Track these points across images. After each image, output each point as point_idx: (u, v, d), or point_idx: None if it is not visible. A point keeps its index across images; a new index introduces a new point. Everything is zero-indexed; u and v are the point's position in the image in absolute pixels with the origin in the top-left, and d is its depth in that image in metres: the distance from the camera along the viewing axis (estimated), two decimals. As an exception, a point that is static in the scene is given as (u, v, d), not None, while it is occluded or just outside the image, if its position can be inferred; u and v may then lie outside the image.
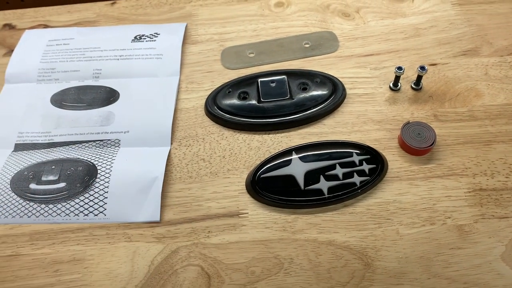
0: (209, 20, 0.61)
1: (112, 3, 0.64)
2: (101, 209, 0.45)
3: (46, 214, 0.46)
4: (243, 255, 0.43)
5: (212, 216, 0.45)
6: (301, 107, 0.51)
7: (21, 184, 0.47)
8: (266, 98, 0.52)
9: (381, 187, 0.46)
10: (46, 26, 0.62)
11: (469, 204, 0.44)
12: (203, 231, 0.44)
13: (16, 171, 0.48)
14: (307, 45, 0.57)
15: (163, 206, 0.46)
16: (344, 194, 0.45)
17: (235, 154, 0.49)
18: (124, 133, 0.50)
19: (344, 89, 0.52)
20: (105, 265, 0.43)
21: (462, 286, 0.40)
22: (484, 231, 0.43)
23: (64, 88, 0.55)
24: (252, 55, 0.57)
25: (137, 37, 0.59)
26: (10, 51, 0.59)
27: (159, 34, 0.59)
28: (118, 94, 0.54)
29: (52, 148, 0.50)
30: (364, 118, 0.51)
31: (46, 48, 0.58)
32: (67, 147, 0.50)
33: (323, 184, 0.45)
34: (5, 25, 0.63)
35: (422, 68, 0.50)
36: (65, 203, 0.46)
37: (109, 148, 0.50)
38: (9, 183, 0.47)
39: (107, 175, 0.47)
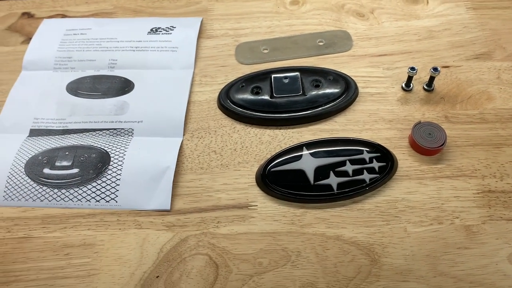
0: (225, 15, 0.62)
1: (130, -4, 0.65)
2: (112, 195, 0.46)
3: (58, 198, 0.46)
4: (251, 246, 0.43)
5: (221, 207, 0.46)
6: (313, 103, 0.51)
7: (35, 168, 0.48)
8: (278, 93, 0.52)
9: (390, 185, 0.46)
10: (64, 16, 0.63)
11: (477, 205, 0.45)
12: (212, 221, 0.45)
13: (31, 156, 0.49)
14: (321, 43, 0.58)
15: (173, 195, 0.47)
16: (353, 190, 0.45)
17: (246, 148, 0.50)
18: (138, 122, 0.51)
19: (356, 88, 0.53)
20: (115, 251, 0.44)
21: (468, 286, 0.40)
22: (491, 232, 0.43)
23: (80, 76, 0.56)
24: (266, 51, 0.58)
25: (153, 29, 0.59)
26: (28, 39, 0.60)
27: (175, 27, 0.60)
28: (133, 84, 0.54)
29: (66, 135, 0.51)
30: (376, 117, 0.51)
31: (64, 38, 0.59)
32: (81, 134, 0.51)
33: (333, 180, 0.45)
34: (24, 14, 0.64)
35: (435, 69, 0.50)
36: (78, 189, 0.47)
37: (123, 137, 0.50)
38: (23, 167, 0.48)
39: (119, 162, 0.48)
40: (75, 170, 0.48)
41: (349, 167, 0.46)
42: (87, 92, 0.54)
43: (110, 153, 0.48)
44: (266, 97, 0.52)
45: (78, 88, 0.55)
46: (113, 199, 0.46)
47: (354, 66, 0.56)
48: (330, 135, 0.50)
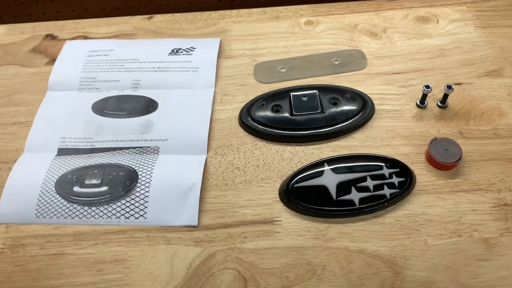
0: (242, 36, 0.64)
1: (149, 18, 0.67)
2: (141, 212, 0.48)
3: (89, 216, 0.48)
4: (278, 260, 0.45)
5: (247, 222, 0.47)
6: (332, 120, 0.53)
7: (65, 186, 0.50)
8: (298, 111, 0.54)
9: (409, 199, 0.48)
10: (86, 38, 0.65)
11: (494, 218, 0.46)
12: (239, 236, 0.46)
13: (60, 174, 0.50)
14: (336, 62, 0.60)
15: (200, 211, 0.48)
16: (374, 205, 0.47)
17: (268, 164, 0.51)
18: (163, 141, 0.53)
19: (373, 105, 0.55)
20: (146, 266, 0.45)
21: (489, 297, 0.42)
22: (509, 244, 0.45)
23: (104, 96, 0.58)
24: (283, 70, 0.60)
25: (174, 50, 0.62)
26: (52, 60, 0.62)
27: (195, 48, 0.62)
28: (157, 104, 0.56)
29: (93, 154, 0.53)
30: (393, 133, 0.53)
31: (87, 59, 0.61)
32: (108, 153, 0.53)
33: (355, 195, 0.47)
34: (47, 36, 0.66)
35: (449, 87, 0.52)
36: (107, 206, 0.48)
37: (149, 155, 0.52)
38: (54, 185, 0.50)
39: (147, 180, 0.49)
40: (104, 188, 0.49)
41: (370, 183, 0.48)
42: (112, 111, 0.56)
43: (137, 171, 0.50)
44: (286, 114, 0.54)
45: (103, 108, 0.56)
46: (142, 215, 0.48)
47: (369, 84, 0.58)
48: (349, 151, 0.52)
